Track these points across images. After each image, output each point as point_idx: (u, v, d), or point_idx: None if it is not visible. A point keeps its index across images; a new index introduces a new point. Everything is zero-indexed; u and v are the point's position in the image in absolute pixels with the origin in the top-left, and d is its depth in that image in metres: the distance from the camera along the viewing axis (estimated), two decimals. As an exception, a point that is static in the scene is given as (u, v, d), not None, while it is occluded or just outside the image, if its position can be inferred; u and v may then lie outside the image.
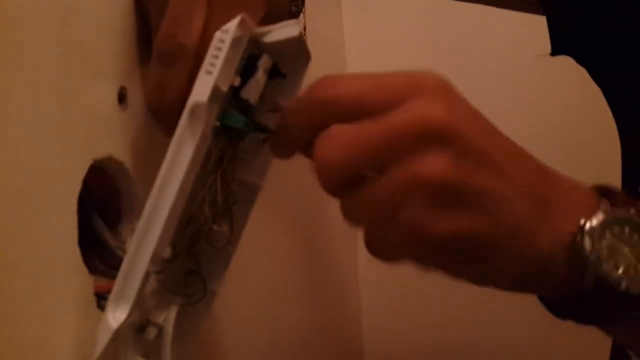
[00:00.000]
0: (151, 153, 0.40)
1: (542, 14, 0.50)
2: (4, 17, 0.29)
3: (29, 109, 0.31)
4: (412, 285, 0.79)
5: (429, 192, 0.28)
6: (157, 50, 0.35)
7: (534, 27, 0.52)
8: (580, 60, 0.48)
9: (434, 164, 0.27)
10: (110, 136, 0.37)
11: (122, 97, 0.38)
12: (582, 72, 0.49)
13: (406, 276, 0.65)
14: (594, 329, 0.32)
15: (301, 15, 0.57)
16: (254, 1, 0.35)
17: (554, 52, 0.48)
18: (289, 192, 0.63)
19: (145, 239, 0.32)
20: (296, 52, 0.35)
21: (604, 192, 0.31)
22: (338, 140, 0.29)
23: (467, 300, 0.79)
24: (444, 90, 0.30)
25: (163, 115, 0.35)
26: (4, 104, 0.29)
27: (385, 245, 0.30)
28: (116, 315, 0.32)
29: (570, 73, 0.51)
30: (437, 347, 0.86)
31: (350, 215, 0.31)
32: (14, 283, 0.30)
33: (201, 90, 0.31)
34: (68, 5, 0.34)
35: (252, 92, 0.34)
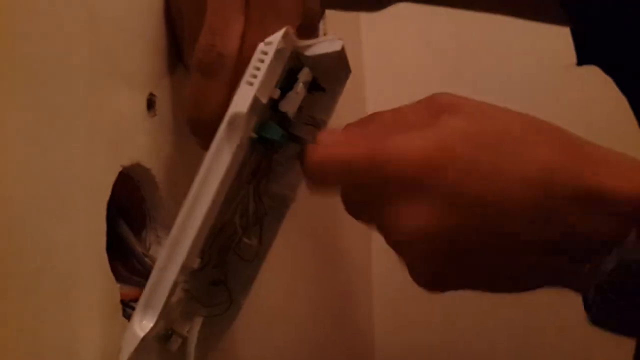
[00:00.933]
0: (178, 160, 0.40)
1: (561, 24, 0.49)
2: (35, 22, 0.29)
3: (59, 114, 0.31)
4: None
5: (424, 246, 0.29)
6: (197, 60, 0.34)
7: (557, 37, 0.52)
8: (606, 70, 0.48)
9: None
10: (138, 143, 0.36)
11: (150, 104, 0.38)
12: (609, 81, 0.48)
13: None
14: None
15: (321, 23, 0.58)
16: (288, 12, 0.35)
17: (580, 62, 0.48)
18: (302, 197, 0.63)
19: (176, 249, 0.32)
20: (337, 66, 0.36)
21: None
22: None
23: (483, 302, 0.78)
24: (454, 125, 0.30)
25: (202, 128, 0.35)
26: (34, 109, 0.29)
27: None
28: (143, 325, 0.32)
29: (596, 83, 0.51)
30: (451, 350, 0.85)
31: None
32: (41, 289, 0.29)
33: (241, 100, 0.31)
34: (98, 12, 0.34)
35: (290, 105, 0.34)
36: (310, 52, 0.34)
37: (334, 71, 0.36)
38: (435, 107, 0.30)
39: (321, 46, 0.34)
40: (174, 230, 0.32)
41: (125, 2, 0.36)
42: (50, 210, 0.30)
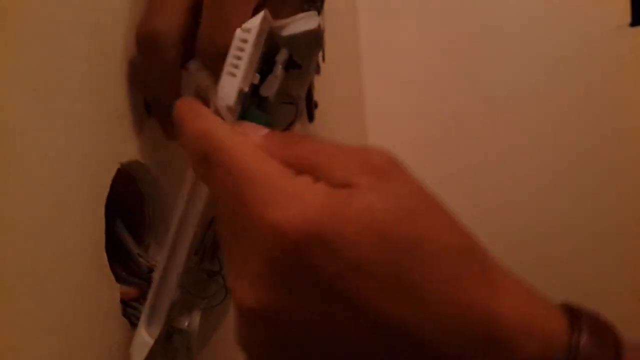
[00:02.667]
0: (177, 159, 0.40)
1: None
2: (36, 21, 0.29)
3: (58, 111, 0.30)
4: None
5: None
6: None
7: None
8: None
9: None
10: (137, 140, 0.36)
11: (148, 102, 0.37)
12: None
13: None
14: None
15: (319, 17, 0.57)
16: None
17: (635, 22, 0.45)
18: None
19: (175, 253, 0.31)
20: (312, 42, 0.35)
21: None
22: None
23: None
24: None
25: (159, 113, 0.35)
26: (33, 105, 0.28)
27: None
28: (151, 331, 0.32)
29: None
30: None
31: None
32: (41, 289, 0.29)
33: (226, 93, 0.29)
34: (101, 10, 0.33)
35: (271, 89, 0.33)
36: (286, 32, 0.32)
37: (308, 47, 0.34)
38: (365, 165, 0.24)
39: (298, 25, 0.32)
40: (171, 234, 0.31)
41: (126, 1, 0.35)
42: (49, 209, 0.29)
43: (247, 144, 0.26)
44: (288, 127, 0.35)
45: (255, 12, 0.33)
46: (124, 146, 0.35)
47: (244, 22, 0.33)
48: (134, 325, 0.36)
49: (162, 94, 0.33)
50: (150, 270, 0.37)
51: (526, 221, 0.90)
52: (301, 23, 0.32)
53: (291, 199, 0.23)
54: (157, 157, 0.38)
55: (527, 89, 0.89)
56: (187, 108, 0.29)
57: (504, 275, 0.24)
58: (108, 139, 0.34)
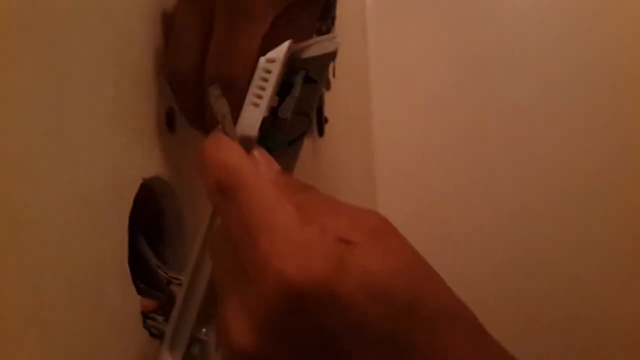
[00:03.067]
0: (196, 175, 0.41)
1: None
2: (65, 40, 0.30)
3: (84, 128, 0.31)
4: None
5: None
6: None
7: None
8: None
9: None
10: (158, 156, 0.37)
11: (170, 119, 0.38)
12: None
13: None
14: None
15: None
16: (261, 10, 0.34)
17: None
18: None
19: (196, 279, 0.32)
20: (329, 60, 0.35)
21: None
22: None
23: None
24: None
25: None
26: (59, 123, 0.29)
27: None
28: (175, 355, 0.32)
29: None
30: None
31: None
32: (68, 302, 0.30)
33: (249, 123, 0.30)
34: (124, 31, 0.34)
35: (289, 110, 0.34)
36: (306, 55, 0.33)
37: (325, 64, 0.35)
38: (362, 225, 0.25)
39: (318, 48, 0.33)
40: (194, 257, 0.32)
41: (149, 22, 0.37)
42: (75, 224, 0.30)
43: (267, 185, 0.26)
44: (301, 137, 0.36)
45: (265, 37, 0.34)
46: (146, 162, 0.36)
47: (252, 48, 0.33)
48: (153, 335, 0.37)
49: (200, 121, 0.33)
50: (169, 282, 0.38)
51: (537, 235, 0.90)
52: (321, 46, 0.32)
53: (298, 250, 0.23)
54: (176, 173, 0.39)
55: (538, 107, 0.90)
56: (212, 139, 0.29)
57: (491, 344, 0.24)
58: (132, 155, 0.35)
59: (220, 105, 0.29)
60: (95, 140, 0.32)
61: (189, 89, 0.34)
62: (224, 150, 0.28)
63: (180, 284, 0.38)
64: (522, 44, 0.92)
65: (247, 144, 0.30)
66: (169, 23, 0.38)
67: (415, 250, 0.25)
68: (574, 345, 0.86)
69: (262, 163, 0.29)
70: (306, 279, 0.23)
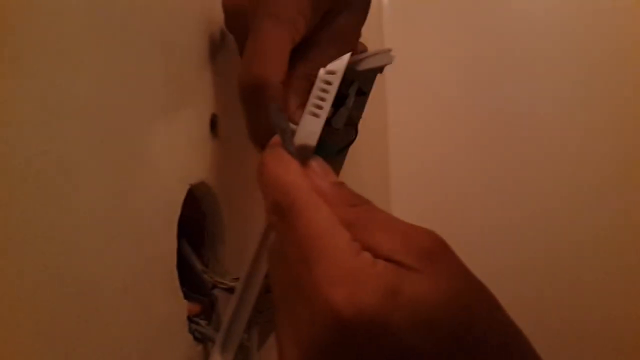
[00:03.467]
0: (236, 178, 0.41)
1: None
2: (116, 52, 0.30)
3: (137, 133, 0.31)
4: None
5: None
6: (238, 89, 0.34)
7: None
8: None
9: None
10: (202, 161, 0.37)
11: (213, 124, 0.38)
12: None
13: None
14: None
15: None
16: (290, 13, 0.33)
17: None
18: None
19: (250, 284, 0.32)
20: (379, 72, 0.36)
21: None
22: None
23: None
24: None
25: (259, 147, 0.35)
26: (113, 128, 0.30)
27: None
28: (226, 357, 0.33)
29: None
30: None
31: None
32: (120, 305, 0.30)
33: (309, 133, 0.30)
34: (171, 41, 0.35)
35: (342, 120, 0.34)
36: (362, 67, 0.33)
37: (373, 76, 0.36)
38: (415, 247, 0.25)
39: (374, 60, 0.33)
40: (249, 265, 0.32)
41: (192, 29, 0.37)
42: (126, 229, 0.31)
43: (322, 207, 0.26)
44: (347, 146, 0.36)
45: (302, 43, 0.34)
46: (193, 167, 0.36)
47: (280, 50, 0.33)
48: (197, 340, 0.37)
49: (266, 131, 0.33)
50: (214, 286, 0.38)
51: (552, 237, 0.91)
52: (377, 59, 0.33)
53: (349, 278, 0.23)
54: (218, 177, 0.39)
55: (555, 109, 0.91)
56: (271, 153, 0.29)
57: None
58: (180, 160, 0.35)
59: (279, 119, 0.29)
60: (145, 145, 0.32)
61: (272, 101, 0.33)
62: (282, 167, 0.28)
63: (225, 288, 0.38)
64: (537, 46, 0.92)
65: (305, 153, 0.30)
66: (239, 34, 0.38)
67: (468, 273, 0.25)
68: (589, 349, 0.87)
69: (319, 173, 0.29)
70: (355, 310, 0.23)
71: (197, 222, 0.41)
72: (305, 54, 0.34)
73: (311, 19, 0.34)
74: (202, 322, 0.38)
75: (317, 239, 0.25)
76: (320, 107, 0.30)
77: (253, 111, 0.33)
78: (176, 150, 0.35)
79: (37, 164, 0.24)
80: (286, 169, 0.28)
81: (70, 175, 0.26)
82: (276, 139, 0.30)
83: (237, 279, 0.37)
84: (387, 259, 0.24)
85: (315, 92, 0.31)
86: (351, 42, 0.36)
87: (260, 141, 0.34)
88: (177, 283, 0.35)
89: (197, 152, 0.37)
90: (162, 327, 0.33)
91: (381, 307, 0.23)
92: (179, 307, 0.35)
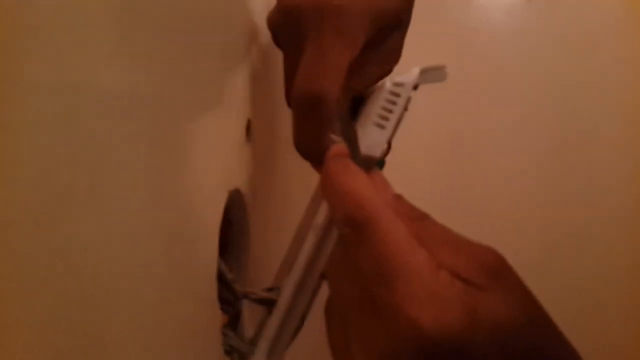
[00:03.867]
0: (264, 185, 0.40)
1: None
2: (185, 53, 0.29)
3: (182, 139, 0.30)
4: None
5: None
6: (293, 100, 0.33)
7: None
8: None
9: None
10: (237, 168, 0.36)
11: (247, 130, 0.38)
12: None
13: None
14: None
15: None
16: (353, 28, 0.33)
17: None
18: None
19: (300, 295, 0.32)
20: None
21: None
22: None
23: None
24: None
25: (308, 158, 0.34)
26: (160, 132, 0.28)
27: None
28: None
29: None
30: None
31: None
32: (161, 316, 0.29)
33: (374, 144, 0.30)
34: (227, 45, 0.34)
35: (394, 133, 0.34)
36: (417, 82, 0.34)
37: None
38: (482, 265, 0.25)
39: (431, 76, 0.34)
40: (297, 277, 0.32)
41: (239, 33, 0.36)
42: (168, 236, 0.29)
43: (399, 223, 0.26)
44: (384, 157, 0.36)
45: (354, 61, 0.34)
46: (231, 174, 0.35)
47: (341, 64, 0.33)
48: (226, 352, 0.36)
49: (318, 144, 0.32)
50: (245, 296, 0.37)
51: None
52: (434, 75, 0.33)
53: (433, 298, 0.23)
54: (250, 184, 0.38)
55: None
56: (338, 164, 0.28)
57: None
58: (221, 166, 0.34)
59: (349, 131, 0.29)
60: (191, 147, 0.31)
61: (329, 112, 0.32)
62: (353, 180, 0.28)
63: (256, 299, 0.37)
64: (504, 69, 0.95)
65: (368, 164, 0.30)
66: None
67: (530, 292, 0.25)
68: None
69: (382, 186, 0.29)
70: (441, 330, 0.23)
71: (222, 229, 0.39)
72: (356, 68, 0.34)
73: (368, 35, 0.34)
74: (231, 334, 0.37)
75: (397, 256, 0.25)
76: (386, 119, 0.31)
77: (305, 123, 0.33)
78: (218, 154, 0.34)
79: (83, 166, 0.22)
80: (358, 182, 0.27)
81: (118, 181, 0.25)
82: (338, 149, 0.30)
83: (269, 290, 0.36)
84: (456, 277, 0.24)
85: (380, 102, 0.31)
86: (397, 58, 0.37)
87: (308, 152, 0.34)
88: (215, 293, 0.34)
89: (235, 158, 0.36)
90: (197, 337, 0.32)
91: (464, 328, 0.23)
92: (215, 318, 0.34)
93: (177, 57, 0.30)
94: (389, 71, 0.37)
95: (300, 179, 0.49)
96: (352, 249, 0.27)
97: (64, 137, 0.20)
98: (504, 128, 0.95)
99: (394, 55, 0.36)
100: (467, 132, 0.95)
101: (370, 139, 0.30)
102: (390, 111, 0.31)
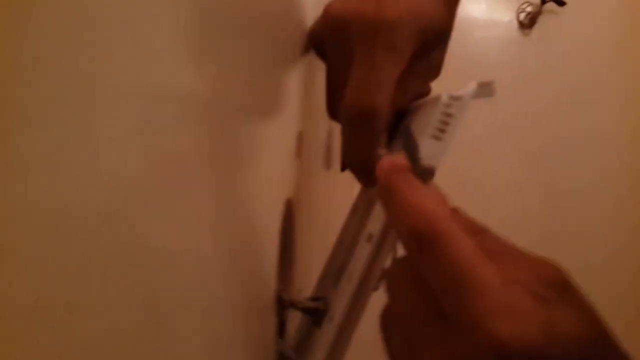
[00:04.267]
0: (305, 197, 0.41)
1: None
2: (249, 62, 0.30)
3: (244, 149, 0.31)
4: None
5: None
6: (344, 114, 0.34)
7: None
8: None
9: None
10: (289, 178, 0.37)
11: (299, 142, 0.38)
12: None
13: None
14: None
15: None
16: (403, 42, 0.34)
17: None
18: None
19: (354, 309, 0.32)
20: None
21: None
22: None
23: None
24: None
25: (356, 172, 0.35)
26: (225, 145, 0.29)
27: None
28: None
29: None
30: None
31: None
32: (224, 324, 0.29)
33: (432, 155, 0.30)
34: (287, 55, 0.35)
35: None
36: (465, 97, 0.33)
37: None
38: (547, 278, 0.26)
39: (481, 91, 0.33)
40: (351, 289, 0.32)
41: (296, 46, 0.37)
42: (231, 244, 0.30)
43: (467, 238, 0.26)
44: None
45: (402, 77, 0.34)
46: (284, 183, 0.36)
47: (391, 80, 0.34)
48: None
49: (368, 158, 0.33)
50: (292, 305, 0.38)
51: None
52: (484, 90, 0.33)
53: (509, 312, 0.24)
54: (296, 195, 0.39)
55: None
56: (401, 177, 0.29)
57: None
58: (279, 174, 0.35)
59: (411, 145, 0.29)
60: (256, 160, 0.32)
61: (380, 126, 0.33)
62: (418, 194, 0.28)
63: (302, 308, 0.37)
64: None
65: (427, 175, 0.30)
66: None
67: (594, 306, 0.26)
68: None
69: (440, 199, 0.30)
70: (519, 344, 0.23)
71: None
72: (399, 83, 0.35)
73: (413, 49, 0.35)
74: (281, 341, 0.37)
75: (469, 271, 0.25)
76: (443, 131, 0.31)
77: (356, 137, 0.33)
78: (278, 164, 0.34)
79: (145, 177, 0.21)
80: (423, 196, 0.28)
81: (182, 190, 0.25)
82: (396, 162, 0.30)
83: (316, 300, 0.37)
84: (525, 291, 0.25)
85: (437, 115, 0.31)
86: (438, 73, 0.38)
87: (357, 165, 0.34)
88: (273, 301, 0.34)
89: (288, 168, 0.37)
90: (253, 345, 0.32)
91: (542, 341, 0.24)
92: (271, 325, 0.34)
93: (246, 67, 0.31)
94: (429, 86, 0.38)
95: (329, 192, 0.50)
96: (419, 262, 0.27)
97: (140, 145, 0.20)
98: (501, 158, 0.97)
99: (435, 70, 0.37)
100: (465, 162, 0.97)
101: (429, 151, 0.31)
102: (447, 124, 0.31)
